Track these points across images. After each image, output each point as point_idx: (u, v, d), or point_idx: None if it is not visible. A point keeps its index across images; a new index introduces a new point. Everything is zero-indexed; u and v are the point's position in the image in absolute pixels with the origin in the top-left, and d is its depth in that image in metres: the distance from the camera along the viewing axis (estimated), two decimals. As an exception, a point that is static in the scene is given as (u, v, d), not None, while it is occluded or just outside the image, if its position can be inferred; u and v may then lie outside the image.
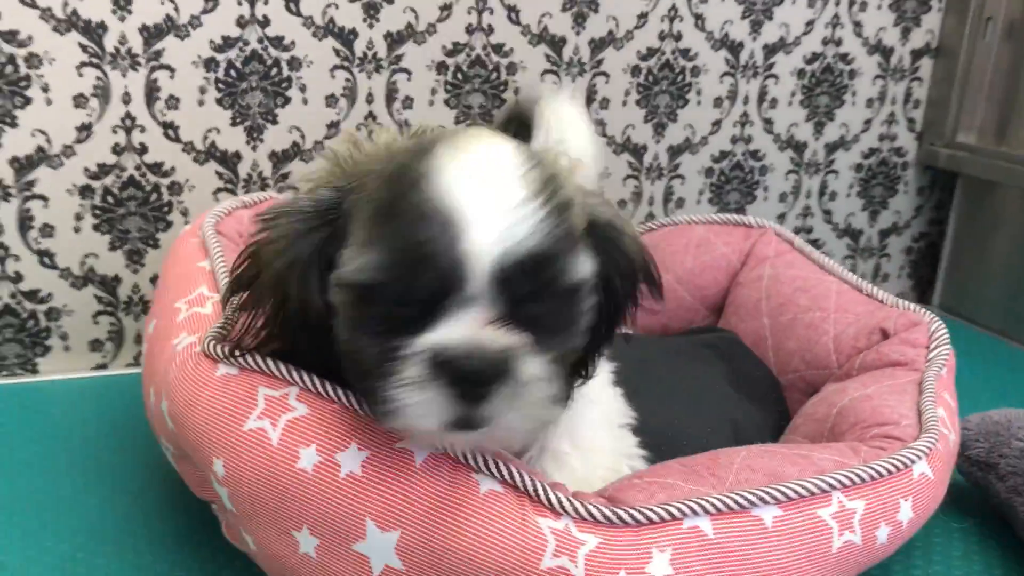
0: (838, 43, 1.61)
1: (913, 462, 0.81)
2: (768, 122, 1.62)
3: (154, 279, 1.34)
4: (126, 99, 1.27)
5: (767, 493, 0.74)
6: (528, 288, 0.65)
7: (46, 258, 1.29)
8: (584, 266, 0.68)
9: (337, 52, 1.35)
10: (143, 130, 1.29)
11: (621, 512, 0.69)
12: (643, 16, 1.48)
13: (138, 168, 1.30)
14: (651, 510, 0.70)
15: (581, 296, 0.69)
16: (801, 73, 1.61)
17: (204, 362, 0.77)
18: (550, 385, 0.65)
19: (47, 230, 1.28)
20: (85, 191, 1.28)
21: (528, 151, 0.69)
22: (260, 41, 1.30)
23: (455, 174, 0.64)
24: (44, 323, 1.32)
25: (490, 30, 1.40)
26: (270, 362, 0.75)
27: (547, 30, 1.43)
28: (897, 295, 1.13)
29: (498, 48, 1.41)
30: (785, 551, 0.73)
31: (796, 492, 0.74)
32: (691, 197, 1.62)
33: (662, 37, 1.50)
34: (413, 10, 1.36)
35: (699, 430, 1.00)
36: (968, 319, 1.68)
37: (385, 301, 0.64)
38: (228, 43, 1.29)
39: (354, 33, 1.35)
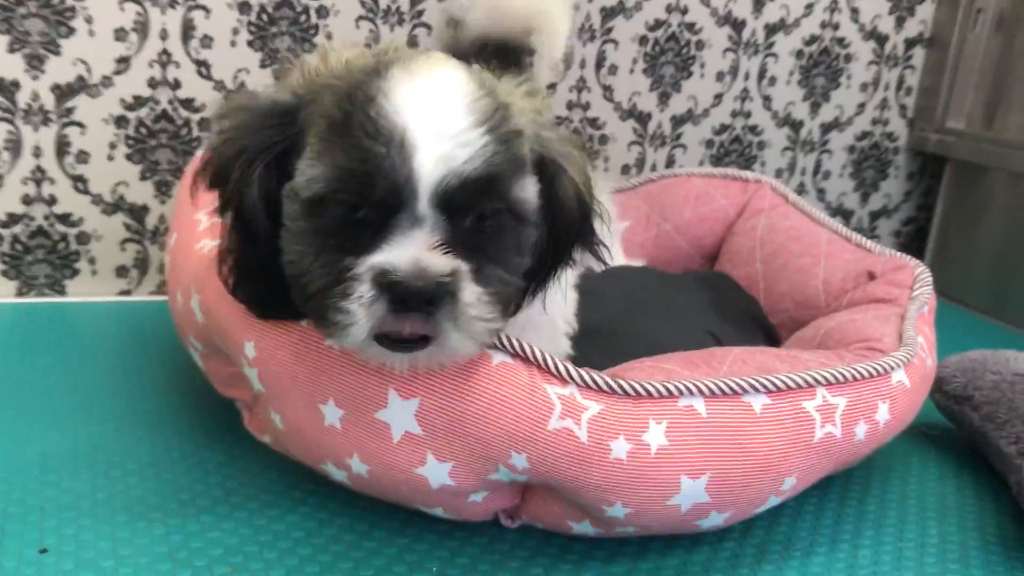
0: (835, 27, 1.68)
1: (892, 369, 0.88)
2: (767, 99, 1.69)
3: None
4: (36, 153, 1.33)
5: (757, 382, 0.80)
6: (469, 212, 0.68)
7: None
8: (524, 195, 0.71)
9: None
10: (53, 182, 1.35)
11: (623, 383, 0.76)
12: (652, -10, 1.55)
13: (47, 218, 1.36)
14: (651, 384, 0.77)
15: (523, 225, 0.72)
16: (799, 54, 1.68)
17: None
18: (488, 309, 0.68)
19: None
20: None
21: (481, 79, 0.71)
22: (171, 102, 1.34)
23: (406, 97, 0.67)
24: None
25: None
26: None
27: None
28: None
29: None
30: (770, 436, 0.79)
31: (784, 383, 0.81)
32: (692, 166, 1.69)
33: (669, 10, 1.57)
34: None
35: (680, 338, 1.04)
36: (956, 301, 1.72)
37: (333, 216, 0.68)
38: (139, 101, 1.34)
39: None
